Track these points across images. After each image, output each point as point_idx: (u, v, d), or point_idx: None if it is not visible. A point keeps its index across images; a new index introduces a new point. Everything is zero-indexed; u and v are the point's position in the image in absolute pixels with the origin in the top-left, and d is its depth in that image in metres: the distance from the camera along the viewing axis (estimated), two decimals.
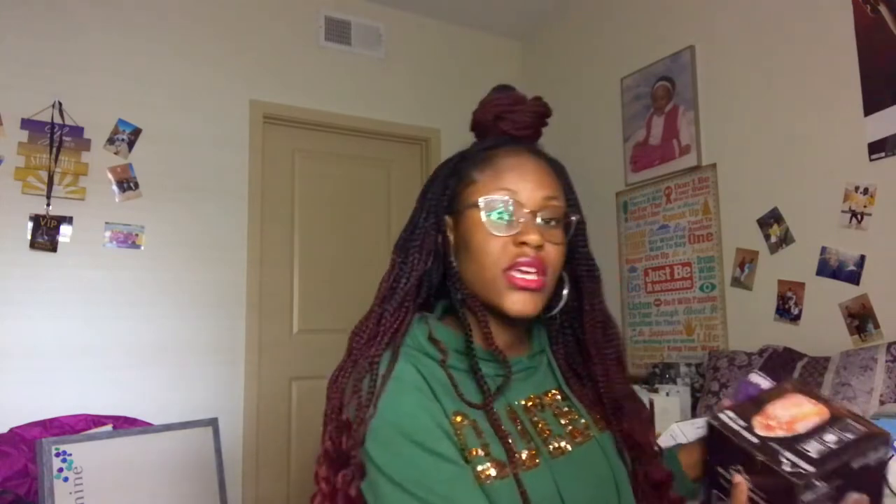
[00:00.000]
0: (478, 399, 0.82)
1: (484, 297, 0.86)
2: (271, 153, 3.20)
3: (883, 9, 2.13)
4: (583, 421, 0.89)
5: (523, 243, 0.82)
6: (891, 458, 1.26)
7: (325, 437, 0.82)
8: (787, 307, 2.38)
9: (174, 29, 2.96)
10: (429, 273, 0.90)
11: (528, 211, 0.84)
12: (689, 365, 2.59)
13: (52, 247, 2.60)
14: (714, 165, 2.69)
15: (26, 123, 2.59)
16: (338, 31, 3.36)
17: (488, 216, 0.84)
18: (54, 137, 2.62)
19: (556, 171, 0.92)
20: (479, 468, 0.76)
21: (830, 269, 2.24)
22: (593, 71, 3.37)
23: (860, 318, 2.14)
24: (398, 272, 0.89)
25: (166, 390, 2.75)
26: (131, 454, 2.38)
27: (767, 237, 2.47)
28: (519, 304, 0.83)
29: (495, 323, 0.87)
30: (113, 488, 2.30)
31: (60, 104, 2.66)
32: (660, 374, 2.61)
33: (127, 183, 2.78)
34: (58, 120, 2.64)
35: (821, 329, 2.25)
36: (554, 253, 0.85)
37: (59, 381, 2.56)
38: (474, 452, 0.77)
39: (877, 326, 2.09)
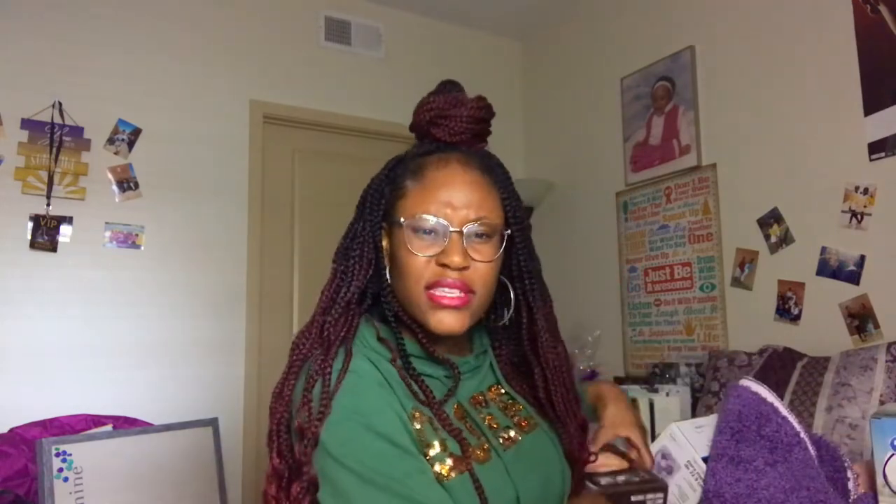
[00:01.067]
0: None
1: (411, 312, 0.86)
2: (271, 153, 3.20)
3: (883, 9, 2.13)
4: (525, 411, 0.92)
5: (444, 265, 0.81)
6: (890, 457, 1.26)
7: (272, 456, 0.79)
8: (787, 307, 2.38)
9: (174, 29, 2.96)
10: (370, 280, 0.89)
11: (452, 230, 0.82)
12: (689, 365, 2.59)
13: (52, 247, 2.60)
14: (714, 165, 2.69)
15: (26, 123, 2.59)
16: (338, 31, 3.36)
17: (412, 236, 0.84)
18: (54, 137, 2.62)
19: (493, 179, 0.89)
20: (438, 464, 0.77)
21: (830, 269, 2.24)
22: (593, 71, 3.37)
23: (860, 318, 2.14)
24: (339, 281, 0.89)
25: (166, 390, 2.75)
26: (131, 454, 2.38)
27: (767, 237, 2.47)
28: (444, 323, 0.83)
29: (431, 333, 0.86)
30: (113, 488, 2.30)
31: (60, 104, 2.66)
32: (660, 374, 2.61)
33: (127, 183, 2.78)
34: (58, 120, 2.64)
35: (821, 329, 2.25)
36: (483, 270, 0.84)
37: (59, 381, 2.56)
38: (434, 447, 0.78)
39: (877, 326, 2.09)
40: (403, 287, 0.85)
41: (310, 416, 0.75)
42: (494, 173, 0.90)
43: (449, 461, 0.78)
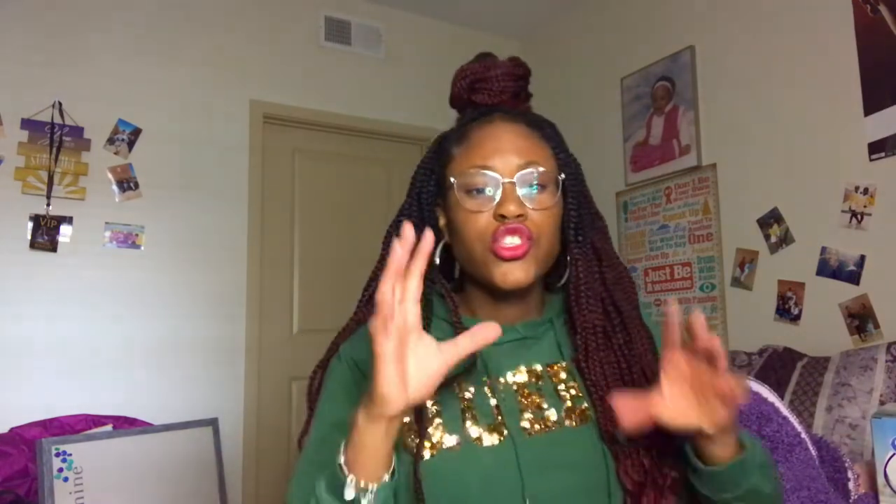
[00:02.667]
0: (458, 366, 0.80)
1: (477, 275, 0.84)
2: (271, 153, 3.20)
3: (883, 9, 2.13)
4: (585, 404, 0.82)
5: (502, 215, 0.79)
6: (891, 457, 1.26)
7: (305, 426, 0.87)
8: (787, 307, 2.38)
9: (174, 29, 2.95)
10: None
11: (505, 181, 0.80)
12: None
13: (52, 247, 2.60)
14: (714, 165, 2.69)
15: (26, 123, 2.59)
16: (338, 31, 3.36)
17: (464, 194, 0.82)
18: (54, 137, 2.62)
19: (540, 131, 0.87)
20: (429, 438, 0.78)
21: (830, 269, 2.24)
22: (593, 71, 3.37)
23: (860, 318, 2.14)
24: (378, 265, 0.92)
25: (166, 390, 2.75)
26: (131, 454, 2.38)
27: (767, 237, 2.47)
28: (509, 276, 0.80)
29: (498, 296, 0.85)
30: (113, 488, 2.30)
31: (60, 104, 2.66)
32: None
33: (127, 183, 2.78)
34: (58, 120, 2.64)
35: (821, 329, 2.25)
36: (541, 218, 0.81)
37: (59, 381, 2.56)
38: (430, 423, 0.79)
39: (877, 326, 2.09)
40: (465, 250, 0.83)
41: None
42: (542, 128, 0.87)
43: (441, 435, 0.78)
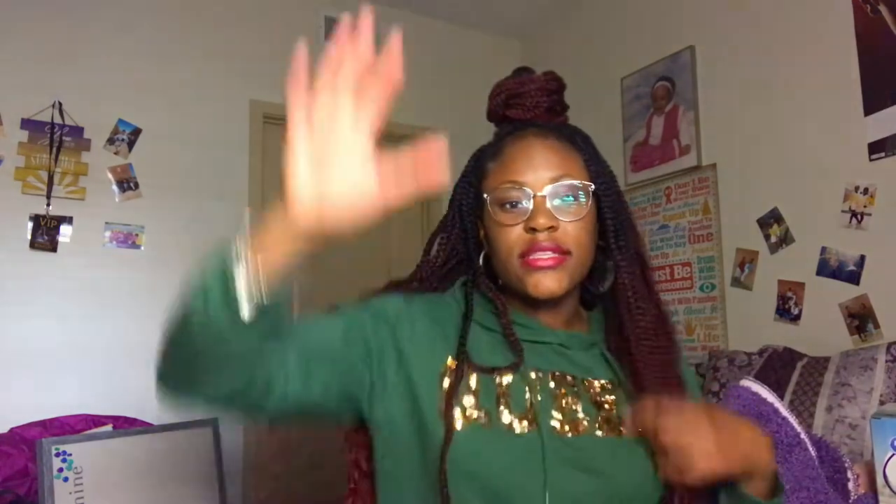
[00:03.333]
0: (496, 360, 0.83)
1: (512, 285, 0.87)
2: (271, 153, 3.20)
3: (883, 9, 2.13)
4: (620, 413, 0.83)
5: (533, 228, 0.82)
6: (890, 457, 1.26)
7: None
8: (787, 307, 2.38)
9: (174, 29, 2.96)
10: (455, 269, 0.94)
11: (536, 195, 0.83)
12: (689, 365, 2.59)
13: (52, 247, 2.60)
14: (714, 165, 2.69)
15: (26, 123, 2.59)
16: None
17: (497, 208, 0.85)
18: (54, 137, 2.62)
19: (572, 143, 0.89)
20: (463, 411, 0.79)
21: (830, 269, 2.24)
22: (593, 71, 3.37)
23: (860, 318, 2.14)
24: (417, 269, 0.96)
25: None
26: (131, 454, 2.38)
27: (767, 237, 2.47)
28: (541, 285, 0.82)
29: (535, 304, 0.87)
30: (113, 488, 2.30)
31: (60, 104, 2.66)
32: None
33: (127, 183, 2.78)
34: (58, 120, 2.64)
35: (821, 329, 2.25)
36: (573, 230, 0.83)
37: (59, 381, 2.56)
38: (462, 398, 0.80)
39: (877, 326, 2.09)
40: (500, 262, 0.86)
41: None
42: (574, 141, 0.89)
43: (472, 410, 0.79)
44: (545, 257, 0.81)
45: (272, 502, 2.99)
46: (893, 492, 1.25)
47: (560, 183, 0.83)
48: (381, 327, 0.83)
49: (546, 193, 0.83)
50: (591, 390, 0.85)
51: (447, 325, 0.86)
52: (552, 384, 0.83)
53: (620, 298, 0.88)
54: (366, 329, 0.83)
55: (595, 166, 0.88)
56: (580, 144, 0.89)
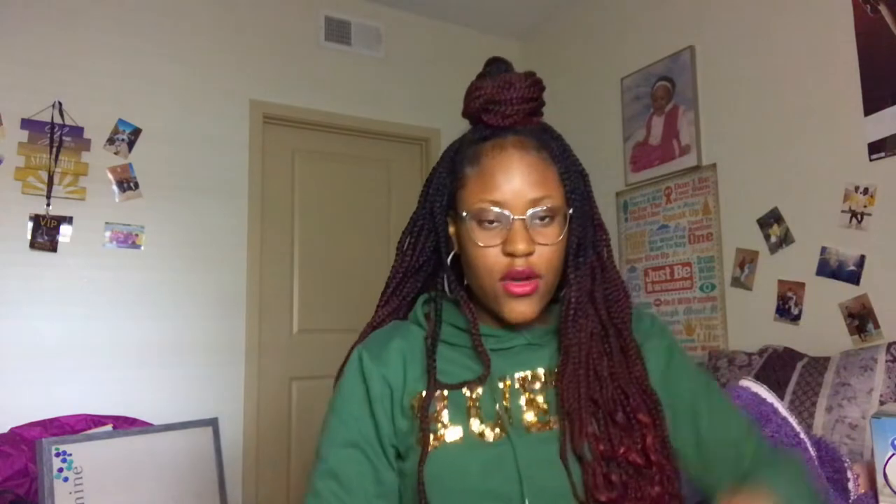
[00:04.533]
0: (464, 375, 0.86)
1: (485, 303, 0.88)
2: (271, 153, 3.20)
3: (883, 9, 2.13)
4: (548, 417, 0.84)
5: (510, 253, 0.82)
6: (891, 457, 1.26)
7: None
8: (787, 307, 2.38)
9: (174, 29, 2.96)
10: (425, 265, 0.95)
11: (514, 218, 0.82)
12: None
13: (52, 247, 2.60)
14: (714, 165, 2.69)
15: (26, 123, 2.59)
16: (338, 31, 3.36)
17: (475, 225, 0.84)
18: (54, 137, 2.62)
19: (550, 155, 0.87)
20: (435, 431, 0.82)
21: (830, 269, 2.24)
22: (593, 71, 3.37)
23: (860, 318, 2.14)
24: (392, 269, 0.96)
25: (166, 390, 2.75)
26: (131, 454, 2.38)
27: (767, 237, 2.47)
28: (516, 311, 0.84)
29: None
30: (113, 488, 2.30)
31: (60, 104, 2.66)
32: None
33: (127, 183, 2.78)
34: (58, 120, 2.64)
35: (821, 329, 2.25)
36: (547, 253, 0.83)
37: (59, 381, 2.56)
38: (435, 417, 0.83)
39: (877, 326, 2.09)
40: (477, 279, 0.86)
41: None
42: (550, 149, 0.87)
43: (441, 430, 0.82)
44: (521, 284, 0.83)
45: (272, 502, 2.99)
46: (894, 491, 1.25)
47: (540, 207, 0.83)
48: (365, 420, 0.86)
49: (526, 217, 0.82)
50: (558, 381, 0.86)
51: (410, 361, 0.88)
52: (518, 387, 0.86)
53: (563, 312, 0.88)
54: (365, 431, 0.85)
55: (570, 179, 0.87)
56: (557, 154, 0.87)
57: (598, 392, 0.84)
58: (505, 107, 0.87)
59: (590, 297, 0.89)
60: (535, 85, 0.89)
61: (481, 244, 0.83)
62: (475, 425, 0.82)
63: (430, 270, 0.96)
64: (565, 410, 0.82)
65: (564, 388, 0.83)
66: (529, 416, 0.84)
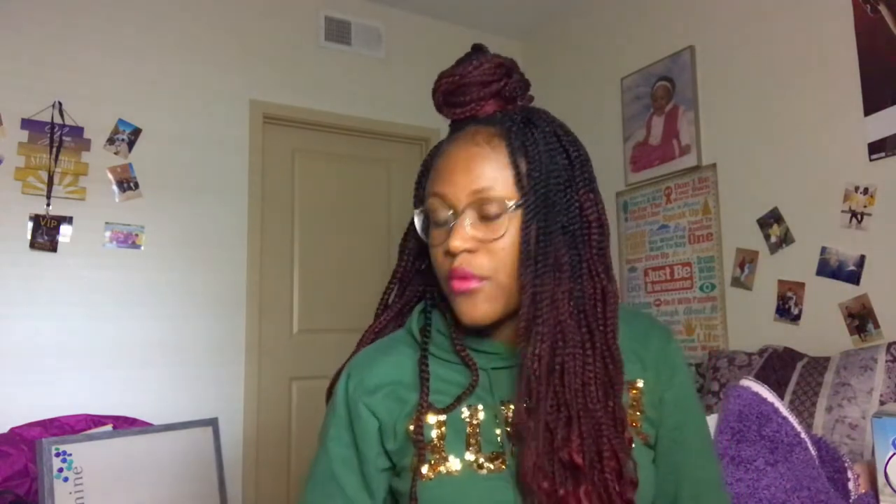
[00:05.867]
0: (458, 392, 0.80)
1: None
2: (271, 153, 3.20)
3: (883, 9, 2.13)
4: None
5: (448, 252, 0.76)
6: (891, 457, 1.26)
7: None
8: (787, 307, 2.38)
9: (174, 29, 2.96)
10: (428, 268, 0.87)
11: (452, 213, 0.76)
12: (689, 365, 2.59)
13: (52, 247, 2.60)
14: (714, 165, 2.69)
15: (26, 123, 2.59)
16: (338, 31, 3.36)
17: (432, 226, 0.80)
18: (54, 137, 2.62)
19: (508, 145, 0.77)
20: (427, 461, 0.77)
21: (830, 269, 2.24)
22: (593, 71, 3.37)
23: (860, 318, 2.14)
24: (392, 273, 0.91)
25: (166, 390, 2.75)
26: (131, 454, 2.38)
27: (767, 237, 2.47)
28: (462, 312, 0.77)
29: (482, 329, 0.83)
30: (113, 488, 2.30)
31: (60, 104, 2.66)
32: None
33: (127, 183, 2.78)
34: (58, 120, 2.64)
35: (821, 329, 2.25)
36: (495, 249, 0.75)
37: (59, 381, 2.56)
38: (432, 446, 0.78)
39: (877, 326, 2.09)
40: (437, 279, 0.82)
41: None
42: (508, 136, 0.78)
43: (436, 458, 0.77)
44: (463, 283, 0.76)
45: (272, 502, 2.99)
46: (894, 491, 1.25)
47: (482, 197, 0.75)
48: (348, 456, 0.82)
49: (464, 211, 0.75)
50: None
51: (402, 383, 0.82)
52: (496, 412, 0.80)
53: (517, 328, 0.76)
54: (346, 467, 0.82)
55: (531, 169, 0.76)
56: (515, 144, 0.77)
57: (551, 417, 0.73)
58: (462, 95, 0.82)
59: (551, 305, 0.75)
60: (495, 67, 0.81)
61: (433, 243, 0.80)
62: (474, 456, 0.77)
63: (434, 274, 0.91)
64: (516, 439, 0.75)
65: (516, 415, 0.75)
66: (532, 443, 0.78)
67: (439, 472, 0.77)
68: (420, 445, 0.76)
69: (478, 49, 0.86)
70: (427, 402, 0.78)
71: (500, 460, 0.77)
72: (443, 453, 0.77)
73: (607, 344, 0.76)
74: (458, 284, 0.76)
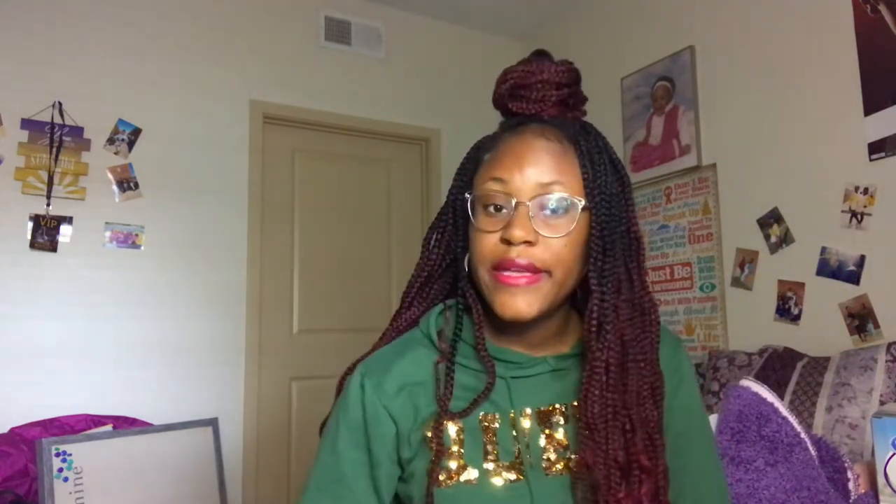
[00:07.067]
0: (485, 404, 0.78)
1: (485, 298, 0.78)
2: (271, 153, 3.20)
3: (883, 9, 2.13)
4: (568, 454, 0.77)
5: (507, 240, 0.73)
6: (891, 457, 1.26)
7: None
8: (787, 307, 2.38)
9: (174, 29, 2.96)
10: (454, 265, 0.86)
11: (517, 201, 0.74)
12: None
13: (52, 247, 2.60)
14: (714, 165, 2.69)
15: (26, 123, 2.59)
16: (338, 31, 3.36)
17: (480, 209, 0.77)
18: (54, 137, 2.62)
19: (575, 145, 0.78)
20: (444, 469, 0.76)
21: (830, 269, 2.24)
22: (593, 71, 3.36)
23: (860, 318, 2.14)
24: (417, 268, 0.88)
25: (166, 390, 2.75)
26: (131, 454, 2.38)
27: (767, 237, 2.47)
28: (507, 306, 0.74)
29: (510, 329, 0.80)
30: (113, 488, 2.30)
31: (60, 104, 2.66)
32: None
33: (127, 183, 2.78)
34: (58, 120, 2.64)
35: (821, 329, 2.25)
36: (556, 246, 0.74)
37: (59, 381, 2.56)
38: (450, 453, 0.77)
39: (877, 326, 2.09)
40: (475, 268, 0.78)
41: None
42: (577, 142, 0.78)
43: (453, 466, 0.76)
44: (516, 275, 0.73)
45: (272, 502, 2.99)
46: (894, 491, 1.25)
47: (547, 194, 0.74)
48: (359, 459, 0.80)
49: (529, 203, 0.74)
50: (571, 417, 0.80)
51: (419, 387, 0.80)
52: (540, 422, 0.79)
53: (585, 327, 0.78)
54: (356, 470, 0.80)
55: (597, 176, 0.77)
56: (584, 148, 0.78)
57: (623, 421, 0.75)
58: (531, 91, 0.80)
59: (614, 311, 0.77)
60: (568, 71, 0.82)
61: (482, 229, 0.76)
62: (491, 466, 0.76)
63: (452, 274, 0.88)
64: (585, 461, 0.74)
65: (586, 414, 0.75)
66: (549, 455, 0.77)
67: (457, 480, 0.76)
68: (439, 451, 0.75)
69: (541, 53, 0.86)
70: (448, 408, 0.77)
71: (517, 470, 0.76)
72: (461, 461, 0.76)
73: (654, 353, 0.79)
74: (508, 276, 0.74)
